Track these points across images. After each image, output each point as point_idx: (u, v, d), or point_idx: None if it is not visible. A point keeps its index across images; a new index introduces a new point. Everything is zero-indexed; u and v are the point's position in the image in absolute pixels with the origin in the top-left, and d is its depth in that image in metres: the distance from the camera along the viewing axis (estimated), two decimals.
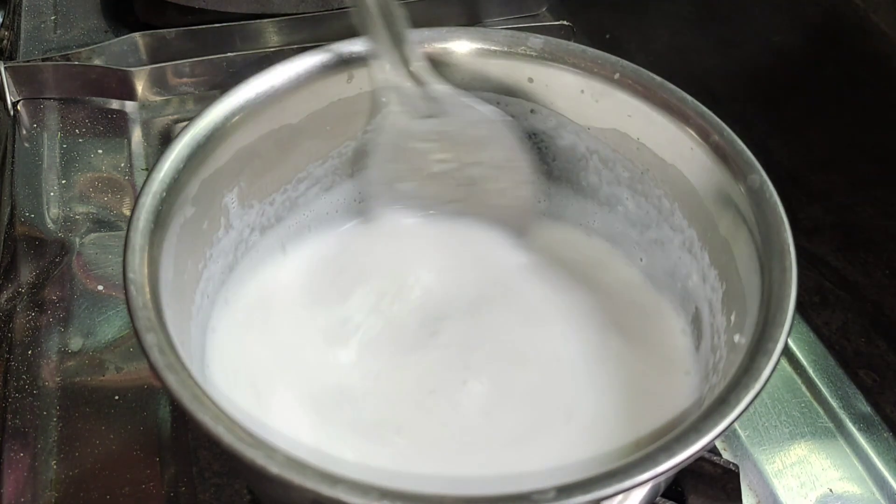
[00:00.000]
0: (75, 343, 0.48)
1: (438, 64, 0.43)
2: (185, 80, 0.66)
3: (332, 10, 0.70)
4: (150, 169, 0.36)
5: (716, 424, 0.29)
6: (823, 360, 0.52)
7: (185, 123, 0.38)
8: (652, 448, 0.28)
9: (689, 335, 0.42)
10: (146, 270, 0.32)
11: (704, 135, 0.39)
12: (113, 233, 0.54)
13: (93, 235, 0.54)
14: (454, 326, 0.43)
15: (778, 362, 0.31)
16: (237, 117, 0.39)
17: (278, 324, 0.43)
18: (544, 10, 0.77)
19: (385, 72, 0.42)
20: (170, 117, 0.65)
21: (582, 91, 0.43)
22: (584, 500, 0.26)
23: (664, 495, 0.39)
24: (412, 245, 0.47)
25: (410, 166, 0.45)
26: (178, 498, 0.41)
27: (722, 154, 0.38)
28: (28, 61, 0.66)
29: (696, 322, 0.41)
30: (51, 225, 0.54)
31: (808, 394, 0.50)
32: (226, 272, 0.42)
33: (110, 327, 0.49)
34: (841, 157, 0.52)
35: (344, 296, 0.44)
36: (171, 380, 0.29)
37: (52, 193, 0.56)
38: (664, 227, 0.43)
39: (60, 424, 0.44)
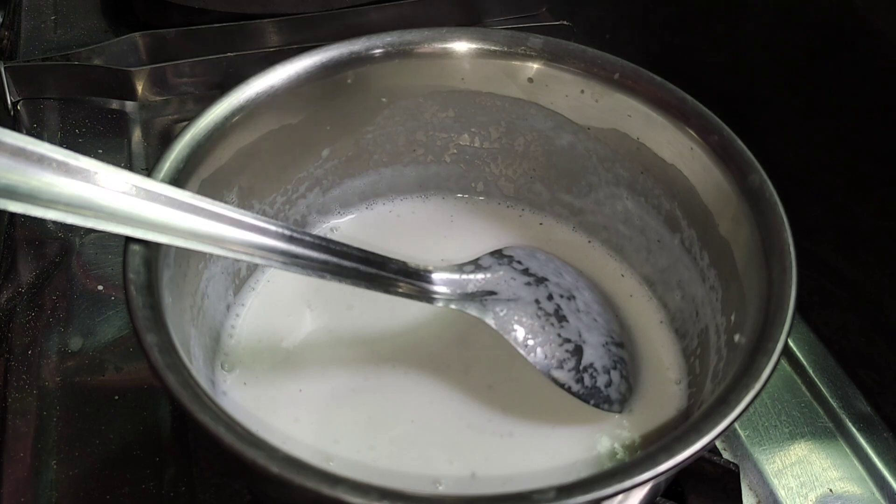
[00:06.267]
0: (75, 343, 0.48)
1: None
2: (185, 80, 0.66)
3: (332, 10, 0.70)
4: (151, 169, 0.36)
5: (716, 424, 0.29)
6: (823, 360, 0.52)
7: (185, 123, 0.38)
8: (652, 448, 0.28)
9: (687, 338, 0.42)
10: (146, 270, 0.32)
11: (704, 134, 0.39)
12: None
13: (93, 235, 0.54)
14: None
15: (778, 362, 0.31)
16: (237, 117, 0.39)
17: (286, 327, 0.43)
18: (544, 9, 0.77)
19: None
20: (170, 117, 0.65)
21: (582, 91, 0.43)
22: (585, 499, 0.26)
23: (664, 495, 0.39)
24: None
25: None
26: (178, 498, 0.41)
27: (722, 154, 0.38)
28: (28, 61, 0.65)
29: (695, 324, 0.41)
30: (51, 225, 0.54)
31: (808, 394, 0.50)
32: (227, 273, 0.42)
33: (110, 327, 0.49)
34: (841, 157, 0.52)
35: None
36: (171, 380, 0.29)
37: None
38: (664, 227, 0.43)
39: (60, 424, 0.44)
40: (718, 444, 0.46)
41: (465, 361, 0.41)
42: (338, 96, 0.43)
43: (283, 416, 0.39)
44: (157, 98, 0.66)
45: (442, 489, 0.36)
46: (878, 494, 0.45)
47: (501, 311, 0.39)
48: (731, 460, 0.42)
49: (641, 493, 0.34)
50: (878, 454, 0.47)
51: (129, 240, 0.32)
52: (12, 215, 0.55)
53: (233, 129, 0.39)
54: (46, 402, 0.45)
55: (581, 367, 0.39)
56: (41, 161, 0.29)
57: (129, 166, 0.60)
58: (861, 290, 0.52)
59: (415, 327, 0.43)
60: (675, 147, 0.41)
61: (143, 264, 0.32)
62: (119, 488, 0.41)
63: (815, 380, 0.51)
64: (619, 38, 0.72)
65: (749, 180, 0.37)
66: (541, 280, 0.41)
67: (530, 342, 0.39)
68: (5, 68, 0.62)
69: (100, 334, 0.49)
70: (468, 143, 0.48)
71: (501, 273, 0.40)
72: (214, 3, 0.68)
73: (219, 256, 0.39)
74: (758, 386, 0.30)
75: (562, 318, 0.40)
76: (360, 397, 0.40)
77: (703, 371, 0.39)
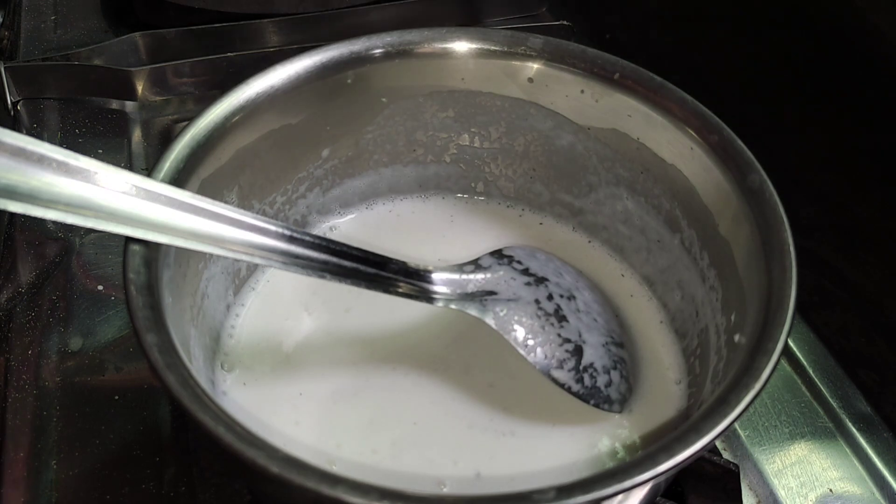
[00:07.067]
0: (75, 343, 0.48)
1: None
2: (185, 80, 0.66)
3: (332, 10, 0.70)
4: (151, 169, 0.36)
5: (716, 424, 0.29)
6: (823, 360, 0.52)
7: (185, 123, 0.38)
8: (652, 448, 0.28)
9: (687, 338, 0.42)
10: (146, 270, 0.32)
11: (704, 135, 0.39)
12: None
13: (93, 235, 0.54)
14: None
15: (778, 362, 0.31)
16: (237, 117, 0.39)
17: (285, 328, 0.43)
18: (544, 9, 0.77)
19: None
20: (170, 117, 0.65)
21: (582, 91, 0.43)
22: (585, 499, 0.26)
23: (664, 495, 0.39)
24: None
25: None
26: (178, 498, 0.41)
27: (721, 154, 0.38)
28: (28, 61, 0.65)
29: (695, 324, 0.41)
30: (51, 225, 0.54)
31: (808, 394, 0.50)
32: (227, 273, 0.42)
33: (110, 327, 0.49)
34: (841, 157, 0.52)
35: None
36: (171, 380, 0.29)
37: None
38: (664, 227, 0.43)
39: (60, 424, 0.44)
40: (718, 444, 0.46)
41: (466, 361, 0.41)
42: (338, 96, 0.43)
43: (284, 418, 0.39)
44: (157, 98, 0.66)
45: (447, 490, 0.36)
46: (878, 494, 0.45)
47: (501, 311, 0.39)
48: (731, 460, 0.42)
49: (641, 493, 0.34)
50: (878, 454, 0.47)
51: (129, 240, 0.32)
52: (12, 215, 0.55)
53: (233, 129, 0.39)
54: (46, 402, 0.45)
55: (581, 367, 0.39)
56: (41, 161, 0.29)
57: (129, 166, 0.60)
58: (861, 290, 0.52)
59: (415, 328, 0.43)
60: (675, 147, 0.41)
61: (143, 264, 0.32)
62: (119, 488, 0.41)
63: (815, 380, 0.51)
64: (619, 38, 0.72)
65: (749, 180, 0.37)
66: (541, 280, 0.41)
67: (530, 342, 0.39)
68: (5, 68, 0.62)
69: (100, 334, 0.49)
70: (468, 143, 0.48)
71: (501, 273, 0.40)
72: (214, 3, 0.68)
73: (219, 256, 0.39)
74: (758, 386, 0.30)
75: (562, 318, 0.40)
76: (360, 400, 0.40)
77: (703, 371, 0.39)
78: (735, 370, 0.31)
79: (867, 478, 0.46)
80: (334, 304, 0.44)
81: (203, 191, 0.37)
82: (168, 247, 0.33)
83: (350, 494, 0.26)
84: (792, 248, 0.34)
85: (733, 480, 0.41)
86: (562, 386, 0.38)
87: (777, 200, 0.36)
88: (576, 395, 0.38)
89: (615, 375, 0.40)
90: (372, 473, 0.36)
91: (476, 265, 0.40)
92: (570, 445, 0.38)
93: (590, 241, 0.48)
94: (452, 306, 0.39)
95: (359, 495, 0.26)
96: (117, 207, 0.31)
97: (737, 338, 0.34)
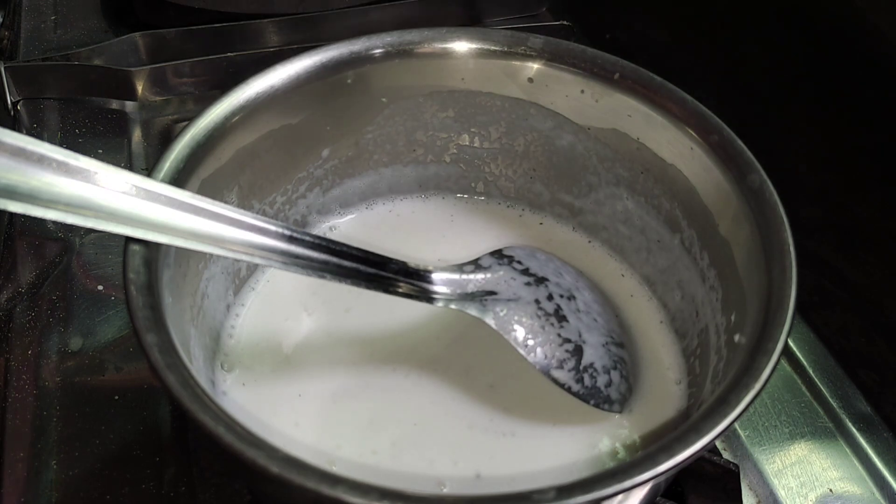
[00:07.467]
0: (75, 343, 0.48)
1: None
2: (185, 80, 0.66)
3: (332, 10, 0.70)
4: (151, 169, 0.36)
5: (716, 424, 0.29)
6: (823, 360, 0.52)
7: (185, 123, 0.38)
8: (652, 448, 0.28)
9: (687, 338, 0.42)
10: (146, 270, 0.32)
11: (704, 135, 0.39)
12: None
13: (93, 235, 0.54)
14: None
15: (778, 362, 0.31)
16: (237, 117, 0.39)
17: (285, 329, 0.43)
18: (544, 10, 0.77)
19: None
20: (170, 117, 0.65)
21: (582, 91, 0.43)
22: (585, 499, 0.26)
23: (664, 495, 0.39)
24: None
25: None
26: (178, 498, 0.41)
27: (721, 154, 0.38)
28: (28, 61, 0.65)
29: (695, 324, 0.41)
30: (51, 225, 0.54)
31: (808, 394, 0.50)
32: (227, 273, 0.42)
33: (110, 327, 0.49)
34: (841, 157, 0.52)
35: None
36: (171, 380, 0.29)
37: None
38: (664, 227, 0.43)
39: (60, 424, 0.44)
40: (718, 444, 0.46)
41: (466, 362, 0.41)
42: (338, 96, 0.43)
43: (284, 418, 0.39)
44: (157, 98, 0.66)
45: (447, 490, 0.36)
46: (878, 494, 0.45)
47: (501, 311, 0.39)
48: (731, 460, 0.42)
49: (641, 493, 0.34)
50: (878, 454, 0.47)
51: (129, 240, 0.32)
52: (12, 215, 0.55)
53: (233, 129, 0.39)
54: (46, 402, 0.45)
55: (581, 367, 0.39)
56: (41, 161, 0.29)
57: (129, 166, 0.60)
58: (861, 290, 0.52)
59: (415, 328, 0.43)
60: (675, 147, 0.41)
61: (143, 264, 0.32)
62: (119, 488, 0.41)
63: (815, 380, 0.51)
64: (619, 38, 0.72)
65: (749, 180, 0.37)
66: (541, 280, 0.41)
67: (530, 342, 0.39)
68: (5, 68, 0.62)
69: (100, 334, 0.49)
70: (468, 143, 0.48)
71: (501, 273, 0.40)
72: (214, 3, 0.68)
73: (219, 256, 0.39)
74: (758, 386, 0.30)
75: (562, 318, 0.40)
76: (360, 401, 0.40)
77: (703, 371, 0.39)
78: (735, 370, 0.31)
79: (867, 478, 0.46)
80: (334, 304, 0.44)
81: (203, 191, 0.37)
82: (168, 247, 0.33)
83: (350, 494, 0.26)
84: (792, 248, 0.34)
85: (733, 480, 0.41)
86: (562, 386, 0.38)
87: (777, 200, 0.36)
88: (576, 395, 0.38)
89: (615, 375, 0.40)
90: (372, 474, 0.36)
91: (476, 265, 0.40)
92: (570, 445, 0.38)
93: (590, 241, 0.48)
94: (452, 306, 0.39)
95: (359, 495, 0.26)
96: (117, 207, 0.31)
97: (737, 338, 0.34)
